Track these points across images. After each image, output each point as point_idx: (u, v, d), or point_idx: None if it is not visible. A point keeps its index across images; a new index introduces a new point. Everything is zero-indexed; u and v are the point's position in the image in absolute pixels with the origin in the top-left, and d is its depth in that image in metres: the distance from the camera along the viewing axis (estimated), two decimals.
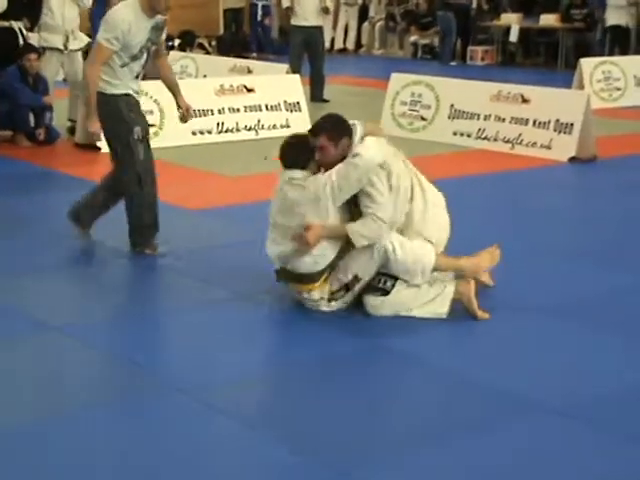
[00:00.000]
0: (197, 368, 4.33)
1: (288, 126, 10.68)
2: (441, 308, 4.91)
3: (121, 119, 5.84)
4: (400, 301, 4.90)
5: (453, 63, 18.92)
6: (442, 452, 3.53)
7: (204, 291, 5.30)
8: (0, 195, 7.64)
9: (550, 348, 4.58)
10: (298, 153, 4.97)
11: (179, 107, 6.24)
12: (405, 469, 3.41)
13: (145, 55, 5.90)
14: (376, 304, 4.90)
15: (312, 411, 3.91)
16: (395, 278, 4.88)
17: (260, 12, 20.67)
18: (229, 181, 8.29)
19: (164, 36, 6.13)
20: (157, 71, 6.31)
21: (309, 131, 5.07)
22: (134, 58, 5.82)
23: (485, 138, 9.98)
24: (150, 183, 5.95)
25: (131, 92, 5.92)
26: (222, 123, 10.25)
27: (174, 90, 6.25)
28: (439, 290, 4.94)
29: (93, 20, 11.33)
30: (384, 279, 4.90)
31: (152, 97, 9.80)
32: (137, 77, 5.97)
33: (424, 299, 4.92)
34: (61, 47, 9.96)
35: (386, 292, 4.89)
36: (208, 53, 20.01)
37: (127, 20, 5.69)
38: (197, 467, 3.41)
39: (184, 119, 6.29)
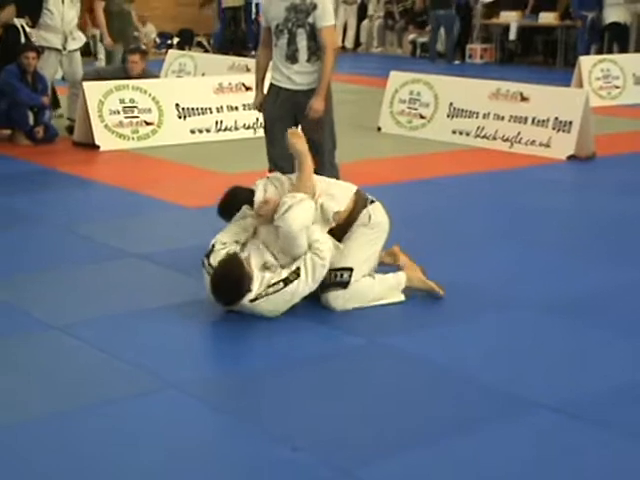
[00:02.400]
0: (196, 365, 4.33)
1: None
2: (400, 296, 5.11)
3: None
4: (360, 291, 4.99)
5: (457, 62, 18.91)
6: (440, 450, 3.53)
7: (192, 289, 5.28)
8: None
9: (549, 346, 4.58)
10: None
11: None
12: (404, 466, 3.41)
13: (287, 36, 5.95)
14: (337, 298, 4.95)
15: (310, 409, 3.91)
16: (350, 269, 4.97)
17: (255, 10, 20.67)
18: (228, 179, 8.27)
19: (321, 21, 5.93)
20: None
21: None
22: (277, 36, 5.99)
23: (484, 136, 9.98)
24: None
25: (274, 81, 6.09)
26: (221, 121, 10.25)
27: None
28: (394, 278, 5.13)
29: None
30: (340, 273, 4.96)
31: (151, 95, 9.82)
32: (290, 60, 5.99)
33: (383, 286, 5.06)
34: (60, 47, 9.97)
35: (345, 285, 4.95)
36: (207, 51, 20.02)
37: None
38: (197, 465, 3.41)
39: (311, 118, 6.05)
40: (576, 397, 3.99)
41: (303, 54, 5.99)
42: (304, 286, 4.80)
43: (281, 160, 5.93)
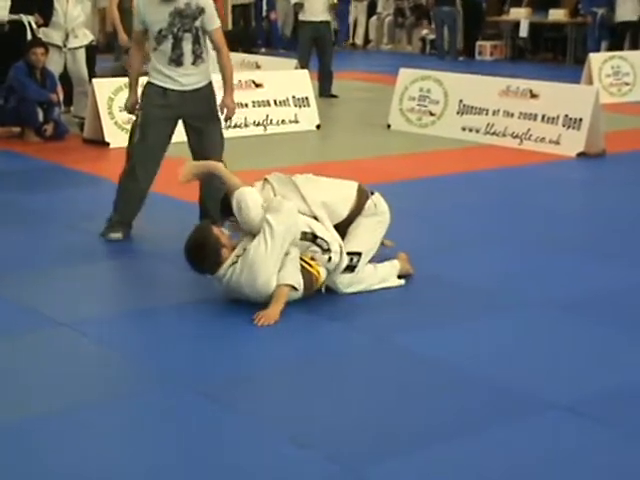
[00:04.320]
0: (205, 362, 4.33)
1: (297, 121, 10.69)
2: (399, 281, 5.30)
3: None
4: (365, 276, 5.19)
5: (460, 58, 18.87)
6: (452, 448, 3.53)
7: (203, 287, 5.28)
8: (9, 191, 7.65)
9: (560, 345, 4.57)
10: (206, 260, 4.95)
11: (221, 104, 6.25)
12: (414, 465, 3.41)
13: (171, 41, 5.91)
14: (345, 281, 5.12)
15: (318, 406, 3.91)
16: (359, 254, 5.14)
17: (265, 7, 20.66)
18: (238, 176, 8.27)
19: (211, 24, 5.99)
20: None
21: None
22: (158, 42, 5.92)
23: (494, 133, 9.96)
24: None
25: (157, 82, 6.03)
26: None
27: (223, 84, 6.25)
28: (391, 265, 5.30)
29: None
30: (350, 257, 5.11)
31: None
32: (175, 63, 5.98)
33: (383, 273, 5.24)
34: (60, 44, 9.98)
35: (353, 269, 5.13)
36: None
37: (138, 3, 5.93)
38: (205, 462, 3.41)
39: (225, 118, 6.30)
40: (587, 396, 3.98)
41: (188, 58, 5.99)
42: (256, 246, 4.82)
43: (147, 157, 6.10)
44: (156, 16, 5.90)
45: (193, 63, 6.01)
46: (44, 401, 3.94)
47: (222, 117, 6.26)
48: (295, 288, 4.86)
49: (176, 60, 5.97)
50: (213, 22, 6.00)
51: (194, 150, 6.21)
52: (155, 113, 6.06)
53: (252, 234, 4.94)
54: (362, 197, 5.27)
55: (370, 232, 5.25)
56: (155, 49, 5.99)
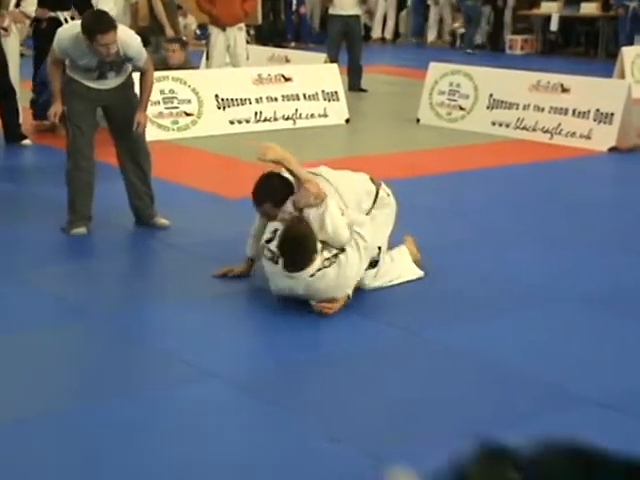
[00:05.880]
0: (236, 356, 4.35)
1: (326, 115, 10.68)
2: (418, 272, 5.29)
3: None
4: (385, 270, 5.16)
5: (469, 50, 18.73)
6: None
7: (235, 280, 5.30)
8: (41, 184, 7.71)
9: (591, 339, 4.55)
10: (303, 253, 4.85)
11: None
12: (443, 459, 3.40)
13: (97, 73, 5.99)
14: (369, 276, 5.08)
15: (350, 400, 3.91)
16: (379, 248, 5.11)
17: (295, 1, 20.65)
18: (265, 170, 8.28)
19: (142, 63, 6.05)
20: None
21: (254, 197, 5.09)
22: (85, 70, 5.96)
23: (524, 128, 9.91)
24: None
25: (79, 79, 6.05)
26: (260, 112, 10.27)
27: (140, 101, 6.24)
28: (400, 252, 5.30)
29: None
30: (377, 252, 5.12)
31: (190, 86, 9.86)
32: (100, 78, 6.04)
33: (399, 263, 5.23)
34: None
35: (376, 263, 5.10)
36: (247, 43, 19.98)
37: (64, 45, 5.87)
38: (236, 454, 3.43)
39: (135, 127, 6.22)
40: (620, 391, 3.96)
41: (112, 77, 6.07)
42: (353, 258, 4.82)
43: (85, 147, 6.25)
44: (83, 58, 5.91)
45: (116, 76, 6.10)
46: (64, 390, 3.97)
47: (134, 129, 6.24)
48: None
49: (98, 79, 6.06)
50: (141, 61, 6.04)
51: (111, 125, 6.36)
52: (82, 107, 6.13)
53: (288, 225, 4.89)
54: (377, 189, 5.26)
55: (385, 224, 5.24)
56: (76, 67, 6.01)
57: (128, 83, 6.23)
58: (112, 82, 6.11)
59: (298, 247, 4.78)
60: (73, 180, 6.29)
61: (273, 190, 5.02)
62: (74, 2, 10.04)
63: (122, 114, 6.17)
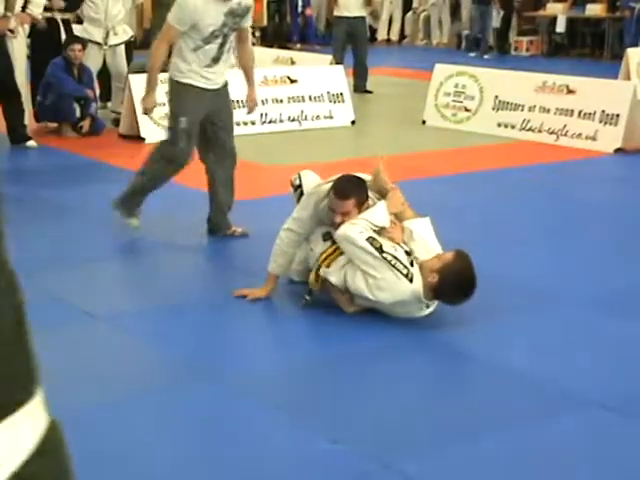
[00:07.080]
0: (241, 358, 4.35)
1: (331, 117, 10.69)
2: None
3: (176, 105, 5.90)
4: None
5: (487, 56, 18.62)
6: (487, 446, 3.51)
7: (246, 283, 5.30)
8: (46, 186, 7.71)
9: (599, 341, 4.54)
10: None
11: (247, 98, 6.28)
12: (449, 461, 3.40)
13: (220, 40, 5.82)
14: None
15: (352, 402, 3.91)
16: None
17: (301, 2, 20.68)
18: (272, 172, 8.30)
19: (249, 22, 6.01)
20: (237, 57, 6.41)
21: (337, 194, 4.85)
22: (207, 41, 5.78)
23: (529, 129, 9.91)
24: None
25: (200, 84, 5.88)
26: (266, 114, 10.27)
27: (248, 79, 6.23)
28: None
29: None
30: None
31: None
32: (215, 62, 5.88)
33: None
34: (100, 41, 10.07)
35: None
36: (252, 44, 20.00)
37: (193, 2, 5.65)
38: (238, 455, 3.43)
39: (249, 110, 6.34)
40: (627, 394, 3.95)
41: (225, 55, 5.92)
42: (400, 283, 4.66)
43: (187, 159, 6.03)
44: (212, 16, 5.73)
45: (225, 60, 5.98)
46: (78, 393, 3.97)
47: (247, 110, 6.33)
48: None
49: (216, 59, 5.88)
50: (250, 19, 6.01)
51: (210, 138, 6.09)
52: (197, 116, 5.94)
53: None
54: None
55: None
56: (196, 49, 5.82)
57: (227, 86, 6.09)
58: (221, 74, 5.93)
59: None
60: (162, 175, 6.14)
61: (361, 188, 4.93)
62: (68, 3, 10.09)
63: (225, 118, 6.04)
